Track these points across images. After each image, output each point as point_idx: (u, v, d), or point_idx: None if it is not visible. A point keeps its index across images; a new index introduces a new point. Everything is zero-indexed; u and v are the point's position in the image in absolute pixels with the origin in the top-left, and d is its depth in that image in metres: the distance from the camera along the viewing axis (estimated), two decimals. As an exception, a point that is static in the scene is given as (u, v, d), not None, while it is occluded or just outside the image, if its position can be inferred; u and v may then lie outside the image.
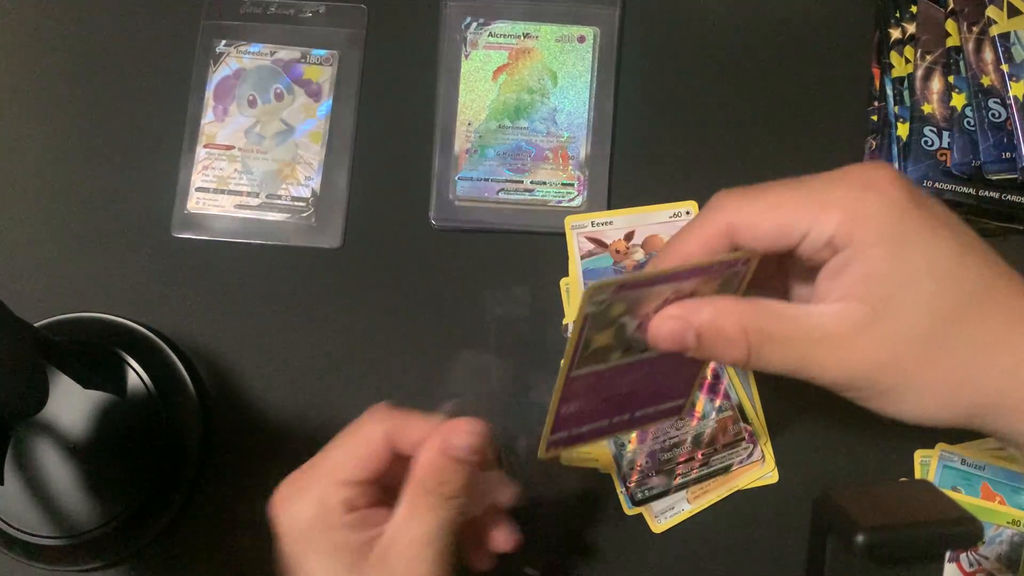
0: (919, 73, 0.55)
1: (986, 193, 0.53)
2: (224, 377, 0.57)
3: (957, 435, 0.54)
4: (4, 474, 0.49)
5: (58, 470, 0.51)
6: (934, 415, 0.36)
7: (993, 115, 0.52)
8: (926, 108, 0.55)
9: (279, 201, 0.59)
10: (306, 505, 0.41)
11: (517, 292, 0.56)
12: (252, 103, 0.60)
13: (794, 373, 0.36)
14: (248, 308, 0.58)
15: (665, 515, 0.54)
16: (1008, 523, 0.52)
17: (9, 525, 0.51)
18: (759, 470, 0.54)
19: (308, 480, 0.41)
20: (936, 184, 0.53)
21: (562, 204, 0.58)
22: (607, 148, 0.58)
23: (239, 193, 0.59)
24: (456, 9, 0.60)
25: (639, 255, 0.56)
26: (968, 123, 0.53)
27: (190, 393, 0.54)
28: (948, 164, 0.53)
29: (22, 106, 0.61)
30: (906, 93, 0.56)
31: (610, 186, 0.58)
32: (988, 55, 0.53)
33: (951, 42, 0.55)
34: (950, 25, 0.55)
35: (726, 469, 0.54)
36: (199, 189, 0.59)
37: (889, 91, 0.57)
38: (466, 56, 0.60)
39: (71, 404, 0.51)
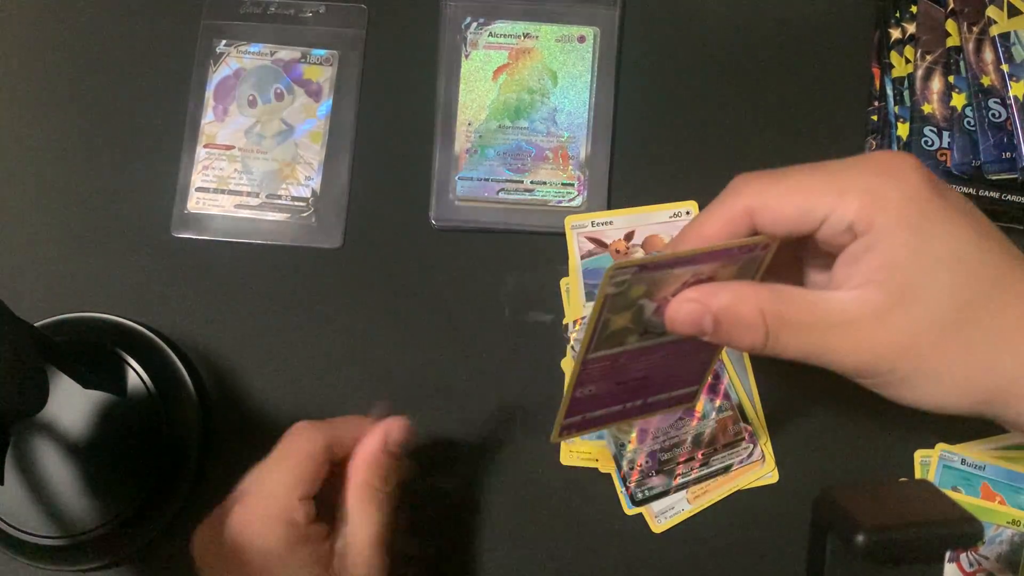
0: (919, 73, 0.55)
1: (986, 193, 0.53)
2: (224, 377, 0.57)
3: (957, 435, 0.54)
4: (4, 474, 0.49)
5: (58, 470, 0.51)
6: (950, 402, 0.36)
7: (993, 115, 0.52)
8: (926, 108, 0.55)
9: (279, 201, 0.59)
10: (275, 527, 0.42)
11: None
12: (252, 103, 0.60)
13: (812, 359, 0.36)
14: (248, 308, 0.58)
15: (665, 515, 0.54)
16: (1008, 523, 0.52)
17: (9, 525, 0.51)
18: (759, 470, 0.54)
19: (264, 506, 0.42)
20: (936, 184, 0.53)
21: (562, 204, 0.58)
22: (607, 148, 0.59)
23: (239, 193, 0.59)
24: (456, 9, 0.60)
25: (639, 255, 0.56)
26: (968, 123, 0.53)
27: (190, 393, 0.54)
28: (948, 164, 0.53)
29: (22, 106, 0.61)
30: (906, 93, 0.56)
31: (610, 186, 0.58)
32: (988, 55, 0.53)
33: (951, 42, 0.55)
34: (950, 25, 0.55)
35: (726, 469, 0.54)
36: (199, 189, 0.59)
37: (889, 91, 0.57)
38: (466, 56, 0.60)
39: (71, 404, 0.51)
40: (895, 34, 0.57)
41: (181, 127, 0.60)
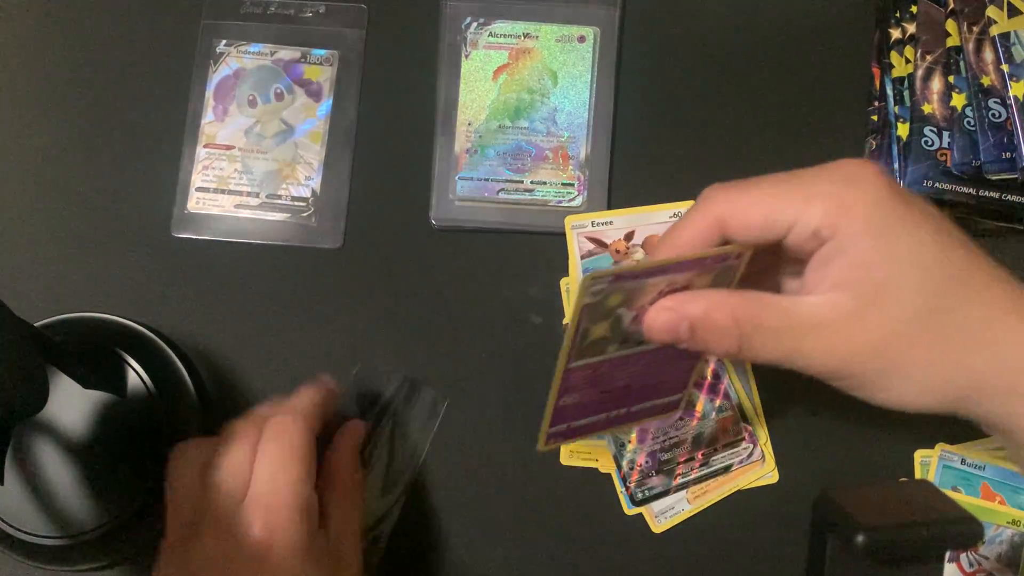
0: (919, 73, 0.55)
1: (986, 193, 0.53)
2: (224, 377, 0.57)
3: (957, 435, 0.54)
4: (4, 474, 0.49)
5: (58, 470, 0.51)
6: (923, 401, 0.36)
7: (993, 115, 0.52)
8: (926, 108, 0.55)
9: (279, 201, 0.59)
10: (302, 517, 0.44)
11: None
12: (252, 103, 0.60)
13: (786, 363, 0.37)
14: (248, 308, 0.58)
15: (665, 515, 0.54)
16: (1008, 523, 0.52)
17: (9, 525, 0.51)
18: (759, 470, 0.54)
19: (286, 500, 0.44)
20: (936, 184, 0.53)
21: (562, 204, 0.58)
22: (607, 148, 0.58)
23: (239, 193, 0.59)
24: (456, 9, 0.60)
25: (639, 255, 0.56)
26: (968, 123, 0.53)
27: (190, 393, 0.54)
28: (948, 164, 0.53)
29: (22, 106, 0.61)
30: (906, 93, 0.56)
31: (610, 186, 0.58)
32: (988, 55, 0.53)
33: (951, 42, 0.55)
34: (950, 25, 0.55)
35: (726, 469, 0.54)
36: (199, 189, 0.59)
37: (889, 91, 0.57)
38: (466, 56, 0.60)
39: (71, 404, 0.51)
40: (895, 34, 0.57)
41: (181, 127, 0.60)
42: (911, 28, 0.57)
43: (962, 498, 0.53)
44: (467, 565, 0.54)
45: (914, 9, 0.57)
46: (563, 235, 0.57)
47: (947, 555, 0.52)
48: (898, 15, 0.57)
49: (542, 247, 0.58)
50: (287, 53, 0.61)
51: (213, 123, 0.60)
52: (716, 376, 0.55)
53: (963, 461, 0.53)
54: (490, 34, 0.60)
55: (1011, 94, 0.52)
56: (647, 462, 0.54)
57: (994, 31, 0.53)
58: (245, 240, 0.58)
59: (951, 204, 0.54)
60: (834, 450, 0.55)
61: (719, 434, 0.54)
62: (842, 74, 0.59)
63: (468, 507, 0.55)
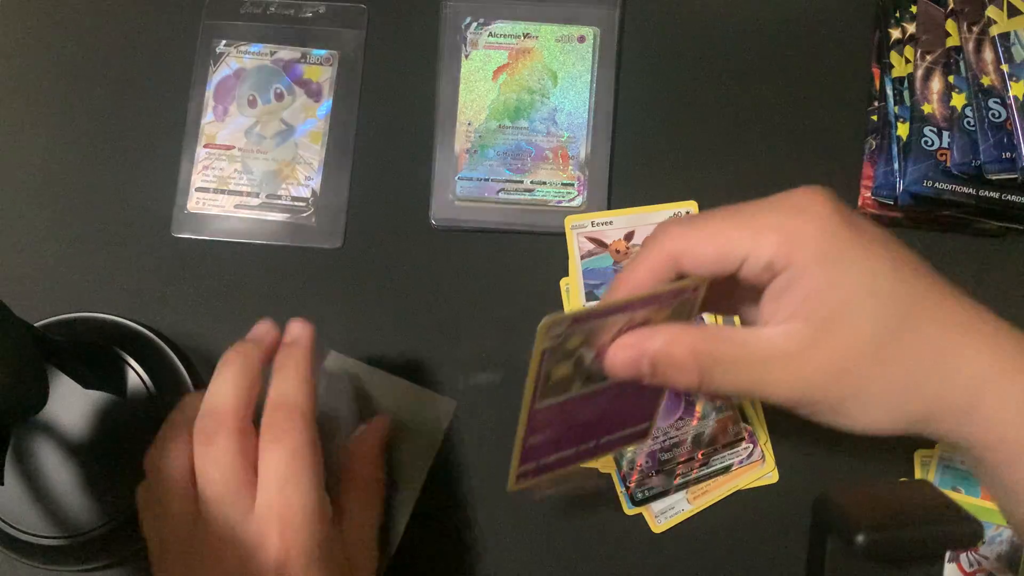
0: (919, 73, 0.55)
1: (986, 193, 0.53)
2: (224, 377, 0.57)
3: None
4: (4, 474, 0.49)
5: (58, 470, 0.51)
6: (885, 425, 0.37)
7: (993, 115, 0.52)
8: (926, 108, 0.55)
9: (279, 201, 0.59)
10: (326, 510, 0.44)
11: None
12: (252, 103, 0.60)
13: (747, 395, 0.38)
14: (248, 308, 0.58)
15: (665, 515, 0.54)
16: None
17: (9, 525, 0.51)
18: (759, 470, 0.54)
19: (310, 501, 0.43)
20: (936, 184, 0.53)
21: (562, 204, 0.58)
22: (607, 148, 0.58)
23: (239, 193, 0.59)
24: (456, 9, 0.60)
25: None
26: (968, 123, 0.53)
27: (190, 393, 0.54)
28: (948, 164, 0.53)
29: (22, 106, 0.61)
30: (906, 93, 0.56)
31: (610, 186, 0.58)
32: (988, 55, 0.53)
33: (951, 42, 0.55)
34: (950, 25, 0.55)
35: (726, 469, 0.54)
36: (199, 189, 0.59)
37: (889, 91, 0.57)
38: (466, 56, 0.60)
39: (71, 404, 0.51)
40: (895, 34, 0.57)
41: (181, 127, 0.60)
42: (911, 28, 0.57)
43: (962, 498, 0.53)
44: (467, 564, 0.54)
45: (914, 9, 0.57)
46: (563, 235, 0.57)
47: (947, 555, 0.52)
48: (898, 15, 0.57)
49: (542, 247, 0.58)
50: (287, 53, 0.61)
51: (213, 123, 0.60)
52: (716, 376, 0.55)
53: (963, 461, 0.53)
54: (490, 34, 0.60)
55: (1011, 94, 0.52)
56: (647, 462, 0.54)
57: (994, 31, 0.53)
58: (245, 240, 0.58)
59: (951, 204, 0.54)
60: (834, 450, 0.55)
61: (719, 434, 0.54)
62: (842, 74, 0.59)
63: (468, 507, 0.55)
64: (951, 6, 0.55)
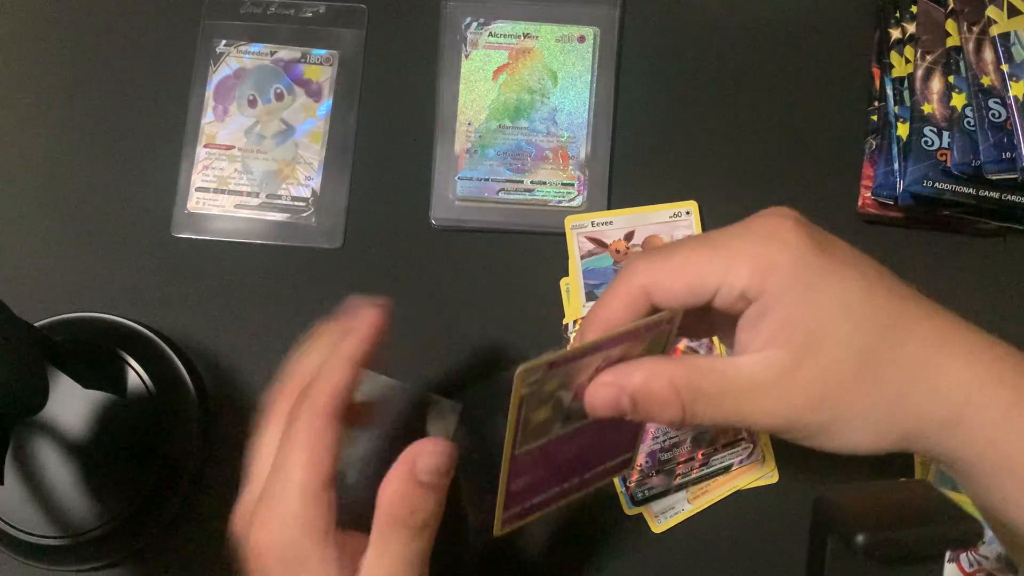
0: (919, 73, 0.55)
1: (986, 193, 0.53)
2: (224, 377, 0.57)
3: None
4: (4, 474, 0.49)
5: (58, 470, 0.51)
6: (872, 446, 0.37)
7: (993, 115, 0.52)
8: (926, 108, 0.55)
9: (279, 201, 0.59)
10: (289, 529, 0.39)
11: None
12: (252, 103, 0.60)
13: (731, 425, 0.38)
14: (248, 308, 0.58)
15: (665, 515, 0.54)
16: (1008, 523, 0.52)
17: (9, 525, 0.51)
18: (759, 470, 0.54)
19: (278, 500, 0.39)
20: (936, 184, 0.53)
21: (562, 204, 0.58)
22: (607, 148, 0.58)
23: (239, 193, 0.59)
24: (456, 9, 0.60)
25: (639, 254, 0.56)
26: (968, 123, 0.53)
27: (190, 393, 0.54)
28: (948, 164, 0.53)
29: (22, 106, 0.61)
30: (906, 93, 0.56)
31: (610, 186, 0.58)
32: (988, 55, 0.53)
33: (951, 42, 0.55)
34: (950, 25, 0.55)
35: (726, 469, 0.54)
36: (199, 189, 0.59)
37: (889, 91, 0.57)
38: (466, 56, 0.60)
39: (71, 404, 0.51)
40: (895, 34, 0.57)
41: (181, 127, 0.60)
42: (911, 28, 0.57)
43: (962, 498, 0.53)
44: (467, 564, 0.54)
45: (914, 9, 0.57)
46: (563, 235, 0.57)
47: (947, 555, 0.52)
48: (898, 15, 0.57)
49: (542, 247, 0.58)
50: (287, 53, 0.61)
51: (213, 123, 0.60)
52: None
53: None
54: (490, 34, 0.60)
55: (1011, 94, 0.52)
56: (647, 462, 0.54)
57: (994, 31, 0.53)
58: (245, 240, 0.58)
59: (951, 204, 0.54)
60: (834, 450, 0.55)
61: (719, 434, 0.54)
62: (842, 74, 0.59)
63: (466, 507, 0.55)
64: (951, 6, 0.55)
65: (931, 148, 0.54)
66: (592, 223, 0.57)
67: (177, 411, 0.53)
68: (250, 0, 0.61)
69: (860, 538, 0.33)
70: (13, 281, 0.58)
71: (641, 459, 0.54)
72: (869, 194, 0.56)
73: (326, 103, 0.60)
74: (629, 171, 0.59)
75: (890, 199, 0.55)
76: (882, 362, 0.36)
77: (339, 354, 0.42)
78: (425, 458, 0.39)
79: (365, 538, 0.40)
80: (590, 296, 0.56)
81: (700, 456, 0.54)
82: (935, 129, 0.54)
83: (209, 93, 0.60)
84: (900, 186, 0.54)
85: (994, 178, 0.52)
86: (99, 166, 0.60)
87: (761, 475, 0.54)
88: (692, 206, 0.57)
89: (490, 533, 0.42)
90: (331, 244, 0.58)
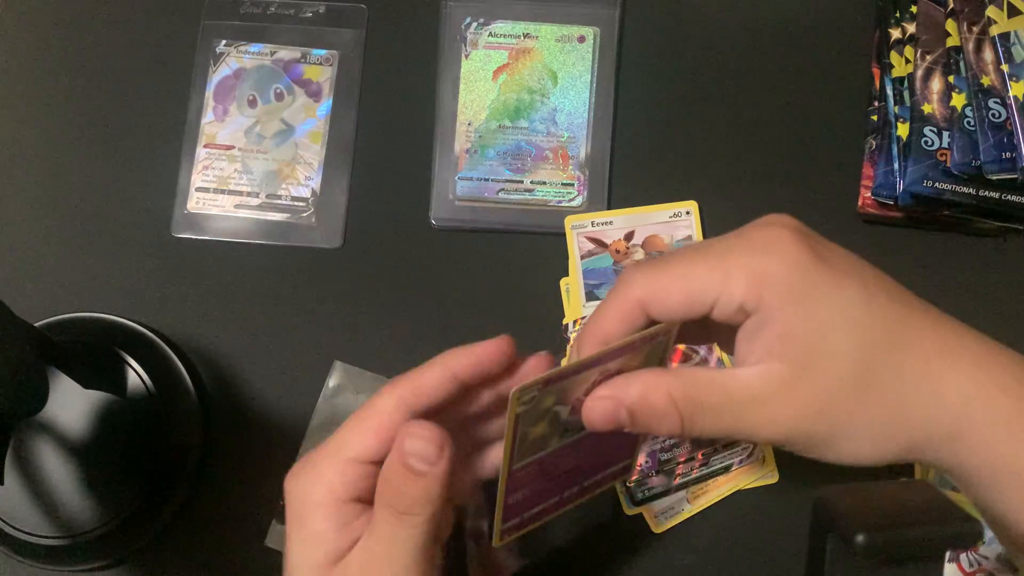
0: (919, 73, 0.55)
1: (986, 193, 0.53)
2: (224, 377, 0.57)
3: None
4: (4, 474, 0.49)
5: (58, 470, 0.51)
6: (874, 456, 0.36)
7: (993, 115, 0.52)
8: (926, 108, 0.55)
9: (279, 201, 0.59)
10: (311, 484, 0.38)
11: None
12: (252, 103, 0.60)
13: (732, 437, 0.37)
14: (248, 308, 0.58)
15: (665, 515, 0.54)
16: (1008, 523, 0.52)
17: (9, 525, 0.51)
18: (759, 470, 0.54)
19: (319, 457, 0.39)
20: (936, 184, 0.53)
21: (562, 204, 0.58)
22: (607, 148, 0.59)
23: (239, 193, 0.59)
24: (456, 9, 0.60)
25: (639, 255, 0.56)
26: (968, 123, 0.53)
27: (190, 393, 0.54)
28: (948, 164, 0.53)
29: (22, 106, 0.61)
30: (906, 93, 0.56)
31: (610, 186, 0.58)
32: (988, 55, 0.53)
33: (951, 42, 0.55)
34: (950, 25, 0.55)
35: (726, 469, 0.54)
36: (199, 189, 0.59)
37: (889, 91, 0.57)
38: (466, 56, 0.60)
39: (71, 404, 0.51)
40: (895, 34, 0.57)
41: (181, 127, 0.60)
42: (911, 28, 0.57)
43: (962, 498, 0.53)
44: (466, 564, 0.54)
45: (914, 9, 0.57)
46: (563, 235, 0.57)
47: (947, 555, 0.52)
48: (898, 15, 0.57)
49: (542, 247, 0.58)
50: (287, 53, 0.61)
51: (213, 123, 0.60)
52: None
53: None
54: (490, 34, 0.60)
55: (1011, 94, 0.52)
56: (647, 462, 0.54)
57: (994, 31, 0.53)
58: (245, 240, 0.58)
59: (951, 204, 0.54)
60: (834, 450, 0.55)
61: (719, 434, 0.54)
62: (842, 74, 0.59)
63: (465, 507, 0.55)
64: (951, 6, 0.55)
65: (931, 148, 0.54)
66: (592, 223, 0.57)
67: (177, 411, 0.53)
68: (250, 0, 0.61)
69: (860, 538, 0.33)
70: (13, 281, 0.58)
71: (641, 459, 0.54)
72: (869, 194, 0.56)
73: (326, 103, 0.60)
74: (629, 171, 0.59)
75: (890, 199, 0.55)
76: (882, 374, 0.35)
77: (440, 361, 0.41)
78: (410, 440, 0.37)
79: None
80: (590, 296, 0.56)
81: (700, 456, 0.54)
82: (935, 129, 0.54)
83: (209, 93, 0.60)
84: (900, 186, 0.54)
85: (994, 178, 0.52)
86: (99, 166, 0.60)
87: (761, 475, 0.54)
88: (692, 206, 0.57)
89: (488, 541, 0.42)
90: (331, 244, 0.58)
